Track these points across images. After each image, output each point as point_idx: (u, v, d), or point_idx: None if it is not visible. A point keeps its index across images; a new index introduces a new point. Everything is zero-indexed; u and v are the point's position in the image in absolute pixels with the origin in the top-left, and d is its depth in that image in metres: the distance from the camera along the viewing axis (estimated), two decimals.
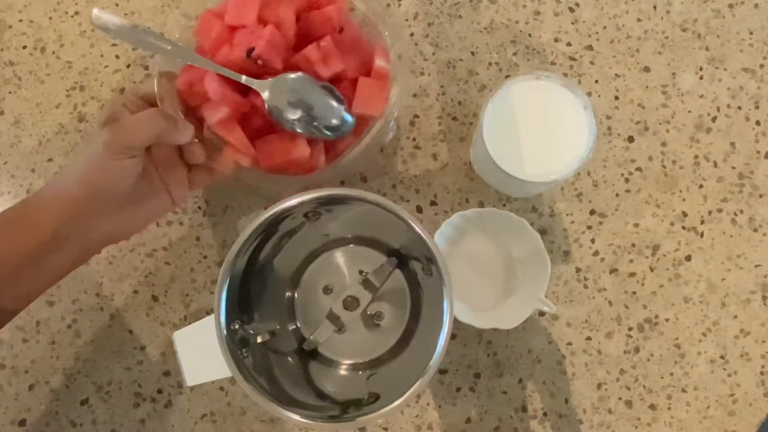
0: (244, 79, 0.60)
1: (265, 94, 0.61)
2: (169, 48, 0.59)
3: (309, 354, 0.64)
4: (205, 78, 0.62)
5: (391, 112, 0.63)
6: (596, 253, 0.70)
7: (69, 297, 0.70)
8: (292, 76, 0.61)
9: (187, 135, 0.60)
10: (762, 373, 0.68)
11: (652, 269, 0.69)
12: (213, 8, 0.64)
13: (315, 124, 0.62)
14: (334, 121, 0.62)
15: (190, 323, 0.56)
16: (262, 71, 0.62)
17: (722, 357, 0.68)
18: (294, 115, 0.61)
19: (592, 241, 0.70)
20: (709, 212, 0.70)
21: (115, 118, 0.58)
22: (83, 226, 0.56)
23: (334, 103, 0.62)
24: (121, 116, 0.58)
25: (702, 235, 0.70)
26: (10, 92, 0.73)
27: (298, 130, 0.61)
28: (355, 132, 0.64)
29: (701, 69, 0.72)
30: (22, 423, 0.69)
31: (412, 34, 0.73)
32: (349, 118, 0.62)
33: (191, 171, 0.63)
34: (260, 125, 0.63)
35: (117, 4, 0.74)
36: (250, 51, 0.60)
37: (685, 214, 0.70)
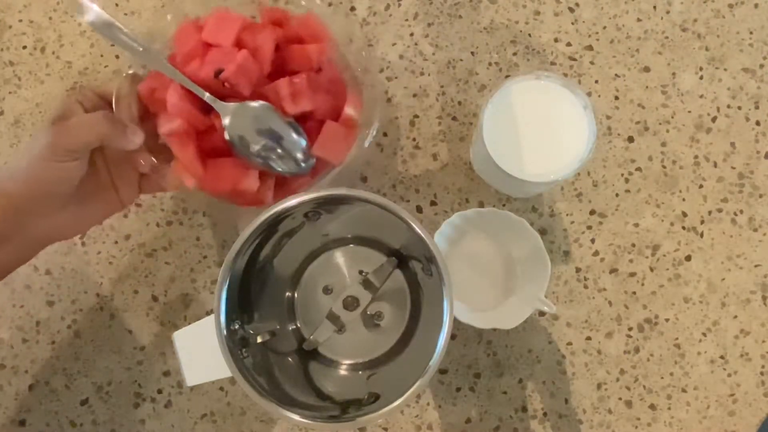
0: (207, 96, 0.59)
1: (226, 119, 0.60)
2: (140, 50, 0.58)
3: (309, 354, 0.64)
4: (169, 89, 0.60)
5: (354, 163, 0.63)
6: (596, 253, 0.70)
7: (69, 297, 0.70)
8: (255, 104, 0.60)
9: (133, 142, 0.58)
10: (762, 373, 0.68)
11: (652, 269, 0.69)
12: (195, 19, 0.63)
13: (274, 157, 0.61)
14: (295, 158, 0.61)
15: (190, 323, 0.56)
16: (228, 94, 0.60)
17: (722, 357, 0.68)
18: (254, 144, 0.60)
19: (592, 241, 0.70)
20: (709, 212, 0.70)
21: (65, 116, 0.56)
22: (24, 226, 0.56)
23: (297, 139, 0.61)
24: (72, 114, 0.56)
25: (702, 235, 0.70)
26: (10, 92, 0.73)
27: (256, 161, 0.60)
28: (311, 174, 0.63)
29: (701, 69, 0.72)
30: (22, 423, 0.69)
31: (412, 34, 0.73)
32: (309, 158, 0.61)
33: (142, 175, 0.62)
34: (216, 147, 0.61)
35: (117, 4, 0.74)
36: (218, 72, 0.58)
37: (685, 214, 0.70)
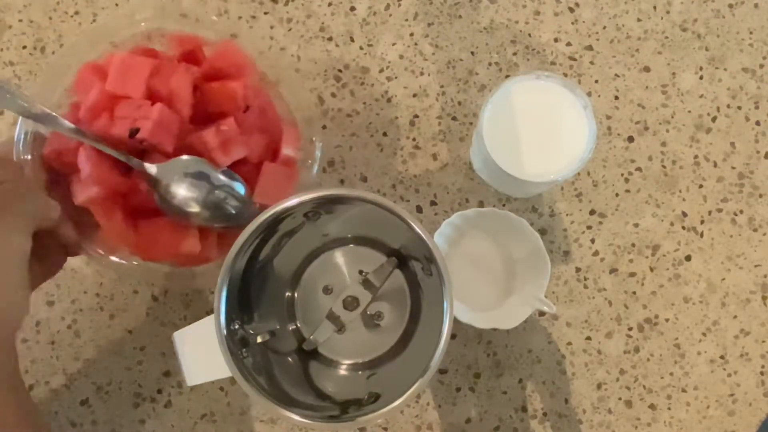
0: (134, 162, 0.53)
1: (155, 181, 0.54)
2: (35, 112, 0.52)
3: (309, 354, 0.64)
4: (79, 152, 0.54)
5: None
6: (596, 253, 0.70)
7: (69, 297, 0.70)
8: (185, 159, 0.55)
9: (49, 218, 0.52)
10: (762, 373, 0.68)
11: (652, 269, 0.69)
12: (95, 60, 0.57)
13: (214, 212, 0.56)
14: (237, 208, 0.56)
15: (190, 323, 0.56)
16: (149, 150, 0.55)
17: (722, 357, 0.68)
18: (191, 202, 0.55)
19: (592, 241, 0.70)
20: (709, 212, 0.70)
21: None
22: None
23: (236, 189, 0.56)
24: None
25: (702, 235, 0.70)
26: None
27: (195, 220, 0.56)
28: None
29: (701, 69, 0.72)
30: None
31: (412, 34, 0.73)
32: (251, 206, 0.57)
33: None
34: (146, 205, 0.56)
35: (117, 4, 0.74)
36: (134, 132, 0.53)
37: (684, 214, 0.70)
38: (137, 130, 0.52)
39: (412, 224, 0.52)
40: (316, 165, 0.62)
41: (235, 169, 0.57)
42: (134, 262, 0.59)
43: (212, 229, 0.57)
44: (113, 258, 0.59)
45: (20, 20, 0.74)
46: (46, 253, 0.54)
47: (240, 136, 0.56)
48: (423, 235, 0.52)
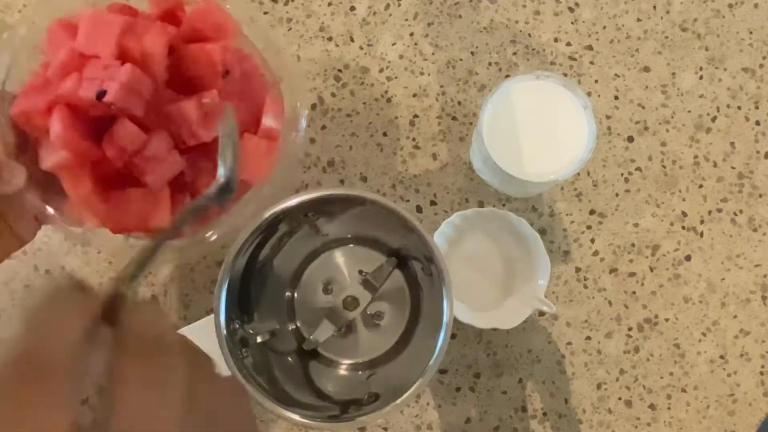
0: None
1: None
2: None
3: (309, 354, 0.64)
4: (53, 113, 0.50)
5: (289, 174, 0.57)
6: (596, 253, 0.70)
7: None
8: None
9: (12, 184, 0.49)
10: (762, 373, 0.68)
11: (651, 269, 0.69)
12: (67, 17, 0.53)
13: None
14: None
15: (190, 323, 0.56)
16: (118, 116, 0.51)
17: (722, 357, 0.68)
18: None
19: (592, 241, 0.70)
20: (709, 212, 0.70)
21: None
22: None
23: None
24: None
25: (702, 234, 0.70)
26: None
27: None
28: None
29: (701, 69, 0.72)
30: None
31: (411, 34, 0.73)
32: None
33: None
34: (116, 175, 0.52)
35: None
36: (100, 94, 0.48)
37: (684, 214, 0.70)
38: (104, 93, 0.48)
39: (413, 224, 0.52)
40: (301, 135, 0.58)
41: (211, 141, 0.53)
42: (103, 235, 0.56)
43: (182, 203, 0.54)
44: (80, 229, 0.56)
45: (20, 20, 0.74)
46: (16, 221, 0.52)
47: (221, 112, 0.51)
48: (423, 235, 0.52)
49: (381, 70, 0.72)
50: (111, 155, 0.51)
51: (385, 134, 0.71)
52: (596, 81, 0.72)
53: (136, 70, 0.50)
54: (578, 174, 0.69)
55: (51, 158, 0.51)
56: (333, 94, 0.72)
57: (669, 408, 0.68)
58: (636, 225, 0.70)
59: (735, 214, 0.70)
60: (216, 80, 0.53)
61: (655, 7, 0.73)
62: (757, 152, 0.71)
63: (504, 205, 0.70)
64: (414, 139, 0.71)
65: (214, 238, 0.57)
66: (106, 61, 0.50)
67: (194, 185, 0.56)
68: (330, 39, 0.73)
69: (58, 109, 0.50)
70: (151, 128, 0.52)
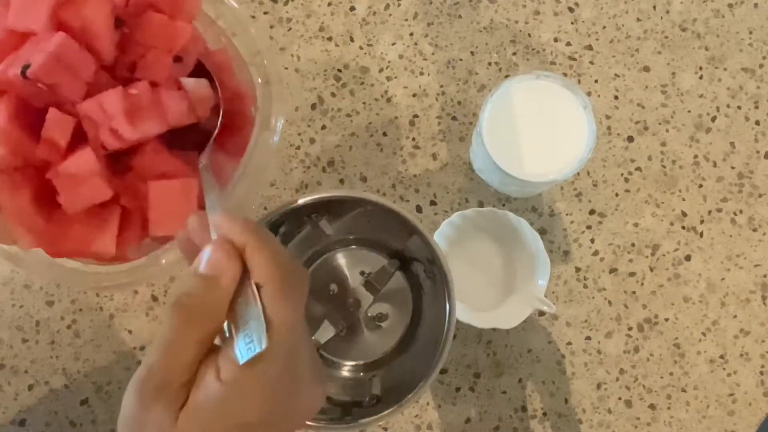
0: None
1: None
2: None
3: None
4: None
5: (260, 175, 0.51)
6: (596, 253, 0.70)
7: (68, 297, 0.70)
8: None
9: None
10: (762, 373, 0.68)
11: (651, 269, 0.69)
12: None
13: None
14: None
15: None
16: (52, 101, 0.44)
17: (722, 357, 0.69)
18: None
19: (592, 240, 0.70)
20: (709, 212, 0.70)
21: None
22: None
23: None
24: None
25: (701, 234, 0.70)
26: None
27: None
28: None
29: (701, 69, 0.72)
30: (22, 423, 0.69)
31: (411, 34, 0.72)
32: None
33: None
34: (55, 190, 0.45)
35: None
36: (25, 68, 0.42)
37: (684, 214, 0.70)
38: (28, 66, 0.41)
39: (416, 226, 0.52)
40: (276, 137, 0.54)
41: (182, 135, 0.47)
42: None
43: (130, 225, 0.48)
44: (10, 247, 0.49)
45: None
46: None
47: (155, 106, 0.44)
48: (426, 238, 0.52)
49: (381, 70, 0.72)
50: (42, 153, 0.44)
51: (385, 134, 0.71)
52: (596, 81, 0.72)
53: (69, 40, 0.43)
54: (578, 174, 0.69)
55: None
56: (333, 94, 0.72)
57: (669, 408, 0.68)
58: (636, 225, 0.70)
59: (735, 214, 0.70)
60: (165, 63, 0.46)
61: (655, 7, 0.73)
62: (757, 152, 0.71)
63: (504, 205, 0.70)
64: (414, 139, 0.71)
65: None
66: (41, 36, 0.44)
67: (141, 213, 0.49)
68: (330, 39, 0.72)
69: (5, 99, 0.44)
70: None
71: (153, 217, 0.47)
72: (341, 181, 0.71)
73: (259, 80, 0.53)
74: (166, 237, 0.49)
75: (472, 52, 0.72)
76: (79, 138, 0.46)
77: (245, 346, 0.35)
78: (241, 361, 0.35)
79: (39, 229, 0.45)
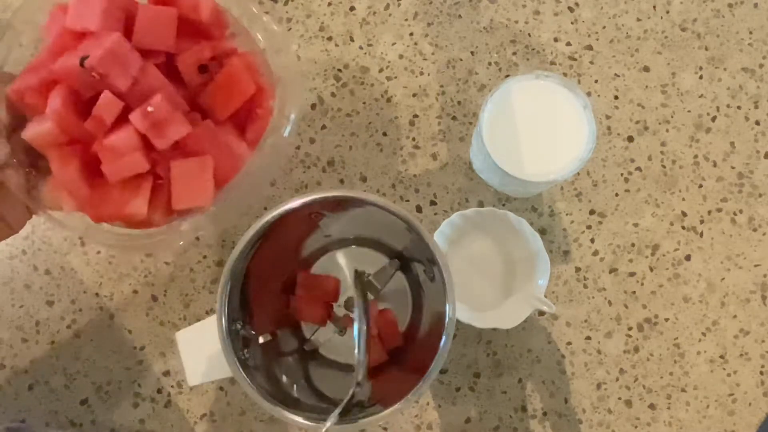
0: None
1: None
2: None
3: (310, 355, 0.64)
4: (54, 89, 0.51)
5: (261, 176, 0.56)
6: (596, 253, 0.70)
7: (68, 297, 0.70)
8: None
9: None
10: (762, 373, 0.68)
11: (651, 269, 0.69)
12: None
13: None
14: None
15: (189, 323, 0.56)
16: (101, 90, 0.51)
17: (722, 357, 0.69)
18: None
19: (592, 240, 0.70)
20: (709, 212, 0.70)
21: None
22: None
23: None
24: None
25: (701, 234, 0.70)
26: None
27: None
28: None
29: (701, 69, 0.72)
30: (22, 423, 0.69)
31: (411, 34, 0.73)
32: None
33: (30, 193, 0.54)
34: (98, 163, 0.52)
35: None
36: (83, 59, 0.49)
37: (684, 214, 0.70)
38: (86, 57, 0.49)
39: (416, 226, 0.52)
40: (289, 127, 0.57)
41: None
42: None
43: (160, 193, 0.54)
44: (60, 216, 0.56)
45: None
46: (5, 208, 0.53)
47: (176, 113, 0.51)
48: (426, 238, 0.52)
49: (381, 70, 0.72)
50: (90, 127, 0.51)
51: (385, 134, 0.71)
52: (596, 81, 0.72)
53: (123, 40, 0.50)
54: (578, 174, 0.69)
55: (34, 127, 0.51)
56: (333, 94, 0.72)
57: (669, 408, 0.68)
58: (636, 225, 0.70)
59: (735, 213, 0.70)
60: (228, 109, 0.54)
61: (655, 7, 0.73)
62: (757, 152, 0.71)
63: (504, 205, 0.70)
64: (414, 139, 0.71)
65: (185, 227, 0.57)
66: (99, 34, 0.50)
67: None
68: (330, 39, 0.72)
69: (59, 87, 0.51)
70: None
71: (175, 191, 0.53)
72: (341, 181, 0.71)
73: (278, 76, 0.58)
74: (187, 210, 0.55)
75: (472, 52, 0.72)
76: (122, 119, 0.52)
77: None
78: None
79: (83, 196, 0.52)
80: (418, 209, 0.70)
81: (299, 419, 0.52)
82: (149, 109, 0.50)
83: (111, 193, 0.53)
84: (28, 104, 0.52)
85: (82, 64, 0.49)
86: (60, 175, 0.51)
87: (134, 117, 0.51)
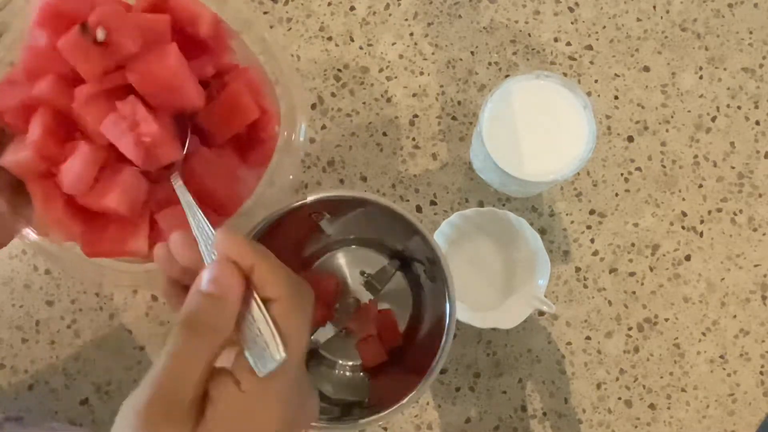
0: None
1: None
2: None
3: (310, 355, 0.64)
4: (35, 114, 0.47)
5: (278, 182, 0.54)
6: (596, 253, 0.70)
7: (68, 297, 0.70)
8: None
9: None
10: (761, 373, 0.68)
11: (651, 269, 0.69)
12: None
13: None
14: None
15: None
16: (115, 66, 0.46)
17: (722, 357, 0.69)
18: None
19: (592, 240, 0.70)
20: (709, 212, 0.70)
21: None
22: None
23: None
24: None
25: (701, 234, 0.70)
26: None
27: None
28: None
29: (701, 69, 0.72)
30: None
31: (411, 34, 0.72)
32: None
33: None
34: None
35: None
36: (84, 26, 0.44)
37: (684, 214, 0.70)
38: (85, 24, 0.45)
39: (417, 227, 0.52)
40: (301, 138, 0.56)
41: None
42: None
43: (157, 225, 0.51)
44: (49, 245, 0.52)
45: None
46: None
47: (168, 137, 0.48)
48: (426, 238, 0.52)
49: (381, 70, 0.72)
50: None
51: (385, 134, 0.71)
52: (596, 81, 0.72)
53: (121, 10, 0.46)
54: (578, 174, 0.69)
55: (11, 155, 0.47)
56: (333, 94, 0.72)
57: (669, 408, 0.68)
58: (636, 225, 0.70)
59: (735, 213, 0.70)
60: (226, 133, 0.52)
61: (655, 6, 0.73)
62: (757, 152, 0.71)
63: (504, 205, 0.70)
64: (414, 139, 0.71)
65: None
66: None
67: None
68: (330, 39, 0.72)
69: (40, 112, 0.47)
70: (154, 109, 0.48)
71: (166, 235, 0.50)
72: (341, 181, 0.71)
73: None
74: None
75: (472, 52, 0.72)
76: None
77: (262, 359, 0.36)
78: (263, 372, 0.36)
79: (75, 233, 0.49)
80: (418, 209, 0.70)
81: None
82: (145, 138, 0.47)
83: (107, 230, 0.50)
84: (9, 124, 0.49)
85: (84, 31, 0.45)
86: (45, 215, 0.48)
87: (127, 146, 0.47)
